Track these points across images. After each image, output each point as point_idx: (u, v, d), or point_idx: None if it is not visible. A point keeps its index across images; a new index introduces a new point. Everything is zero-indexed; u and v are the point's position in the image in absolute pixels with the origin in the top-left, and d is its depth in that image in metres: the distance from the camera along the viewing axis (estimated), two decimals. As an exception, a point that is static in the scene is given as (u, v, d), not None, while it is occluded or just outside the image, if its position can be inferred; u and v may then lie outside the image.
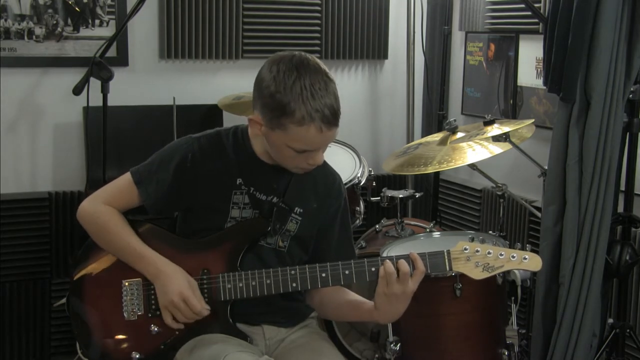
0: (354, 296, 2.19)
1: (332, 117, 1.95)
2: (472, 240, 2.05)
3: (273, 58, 2.00)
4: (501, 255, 2.01)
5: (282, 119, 1.94)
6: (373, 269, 2.03)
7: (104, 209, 2.14)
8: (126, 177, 2.16)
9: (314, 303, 2.27)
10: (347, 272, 2.04)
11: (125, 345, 2.12)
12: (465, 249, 2.02)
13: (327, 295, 2.21)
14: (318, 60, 2.00)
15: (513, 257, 2.01)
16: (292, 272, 2.06)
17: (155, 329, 2.11)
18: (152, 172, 2.13)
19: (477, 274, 2.02)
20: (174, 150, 2.14)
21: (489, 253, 2.01)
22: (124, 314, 2.12)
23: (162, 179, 2.12)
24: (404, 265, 1.98)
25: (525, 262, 2.01)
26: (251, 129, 2.08)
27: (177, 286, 2.05)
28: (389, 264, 1.99)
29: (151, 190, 2.12)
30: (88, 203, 2.17)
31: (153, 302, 2.11)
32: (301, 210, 2.16)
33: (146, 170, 2.14)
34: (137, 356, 2.11)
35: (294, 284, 2.06)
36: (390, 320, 2.10)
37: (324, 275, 2.05)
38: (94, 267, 2.17)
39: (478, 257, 2.01)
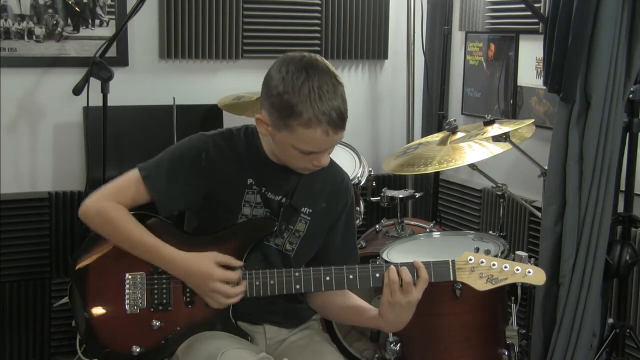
0: (358, 301, 2.19)
1: (339, 120, 1.94)
2: (477, 250, 2.05)
3: (283, 58, 1.99)
4: (505, 267, 2.01)
5: (289, 120, 1.94)
6: (377, 275, 2.03)
7: (111, 205, 2.09)
8: (133, 173, 2.12)
9: (316, 305, 2.27)
10: (351, 276, 2.04)
11: (126, 338, 2.11)
12: (470, 260, 2.02)
13: (330, 298, 2.21)
14: (328, 63, 1.99)
15: (517, 270, 2.01)
16: (297, 274, 2.06)
17: (157, 323, 2.11)
18: (162, 168, 2.10)
19: (481, 285, 2.02)
20: (188, 147, 2.12)
21: (493, 265, 2.01)
22: (126, 307, 2.11)
23: (173, 176, 2.09)
24: (406, 274, 1.98)
25: (529, 275, 2.01)
26: (258, 128, 2.07)
27: (200, 271, 2.02)
28: (392, 272, 1.99)
29: (160, 187, 2.09)
30: (92, 201, 2.13)
31: (156, 296, 2.11)
32: (310, 211, 2.16)
33: (155, 167, 2.11)
34: (138, 350, 2.10)
35: (298, 286, 2.06)
36: (394, 329, 2.10)
37: (327, 278, 2.05)
38: (97, 259, 2.15)
39: (482, 268, 2.02)
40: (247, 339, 2.13)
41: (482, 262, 2.02)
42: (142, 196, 2.11)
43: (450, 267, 2.02)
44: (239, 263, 2.06)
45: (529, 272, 2.01)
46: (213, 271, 2.02)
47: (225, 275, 2.03)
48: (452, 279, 2.03)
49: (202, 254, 2.06)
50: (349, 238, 2.26)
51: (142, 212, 2.15)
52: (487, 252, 2.06)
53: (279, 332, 2.21)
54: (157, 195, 2.10)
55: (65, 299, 2.22)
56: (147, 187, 2.10)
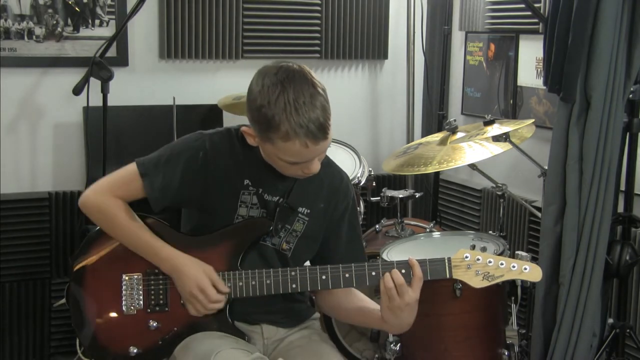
0: (363, 302, 2.18)
1: (317, 132, 1.92)
2: (474, 248, 2.05)
3: (260, 70, 1.98)
4: (502, 264, 2.01)
5: (269, 133, 1.94)
6: (373, 273, 2.02)
7: (111, 201, 2.11)
8: (131, 168, 2.12)
9: (324, 310, 2.27)
10: (347, 275, 2.04)
11: (123, 339, 2.12)
12: (466, 257, 2.02)
13: (336, 301, 2.21)
14: (307, 71, 1.96)
15: (514, 267, 2.00)
16: (292, 273, 2.06)
17: (154, 324, 2.11)
18: (160, 166, 2.10)
19: (477, 282, 2.02)
20: (185, 146, 2.11)
21: (489, 262, 2.01)
22: (123, 308, 2.12)
23: (169, 174, 2.09)
24: (397, 277, 1.98)
25: (525, 272, 2.01)
26: (247, 140, 2.07)
27: (194, 278, 2.04)
28: (387, 279, 1.99)
29: (157, 184, 2.09)
30: (93, 194, 2.14)
31: (152, 297, 2.11)
32: (308, 211, 2.16)
33: (153, 163, 2.11)
34: (135, 351, 2.10)
35: (294, 285, 2.06)
36: (400, 330, 2.09)
37: (324, 277, 2.05)
38: (95, 260, 2.16)
39: (478, 265, 2.02)
40: (244, 339, 2.13)
41: (478, 260, 2.02)
42: (139, 192, 2.11)
43: (447, 264, 2.02)
44: (226, 290, 2.07)
45: (525, 268, 2.00)
46: (202, 281, 2.04)
47: (209, 292, 2.05)
48: (448, 276, 2.02)
49: (200, 263, 2.07)
50: (355, 240, 2.25)
51: (139, 214, 2.15)
52: (484, 250, 2.05)
53: (277, 332, 2.21)
54: (153, 194, 2.10)
55: (64, 300, 2.22)
56: (144, 186, 2.10)
